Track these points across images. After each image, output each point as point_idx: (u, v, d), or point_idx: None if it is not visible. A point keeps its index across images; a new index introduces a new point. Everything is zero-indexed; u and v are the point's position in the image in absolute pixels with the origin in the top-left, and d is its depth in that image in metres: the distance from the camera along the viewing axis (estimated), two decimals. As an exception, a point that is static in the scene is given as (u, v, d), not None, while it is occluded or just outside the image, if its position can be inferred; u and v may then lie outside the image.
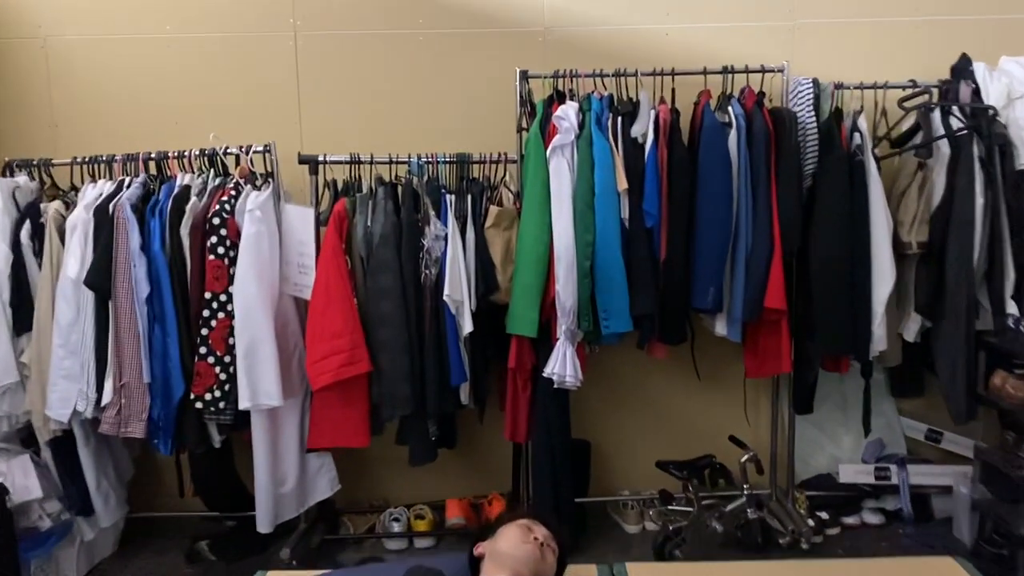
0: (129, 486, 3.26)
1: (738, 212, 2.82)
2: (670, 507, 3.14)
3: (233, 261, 2.75)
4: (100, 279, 2.74)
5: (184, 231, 2.77)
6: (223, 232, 2.75)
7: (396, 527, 3.21)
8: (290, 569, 3.01)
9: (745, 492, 3.04)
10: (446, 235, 2.84)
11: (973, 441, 3.15)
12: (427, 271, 2.83)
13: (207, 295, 2.74)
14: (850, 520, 3.29)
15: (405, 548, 3.22)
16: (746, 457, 3.02)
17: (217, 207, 2.76)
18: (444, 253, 2.82)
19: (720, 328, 2.96)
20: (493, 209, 2.92)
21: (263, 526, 2.93)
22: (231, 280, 2.73)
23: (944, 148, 2.89)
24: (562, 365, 2.74)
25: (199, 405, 2.75)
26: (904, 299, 3.05)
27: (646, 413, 3.46)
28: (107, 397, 2.77)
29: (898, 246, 2.92)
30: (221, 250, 2.75)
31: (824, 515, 3.25)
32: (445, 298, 2.79)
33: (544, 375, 2.78)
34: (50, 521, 2.83)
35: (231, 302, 2.73)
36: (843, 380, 3.33)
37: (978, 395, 2.93)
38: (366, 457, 3.32)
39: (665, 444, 3.41)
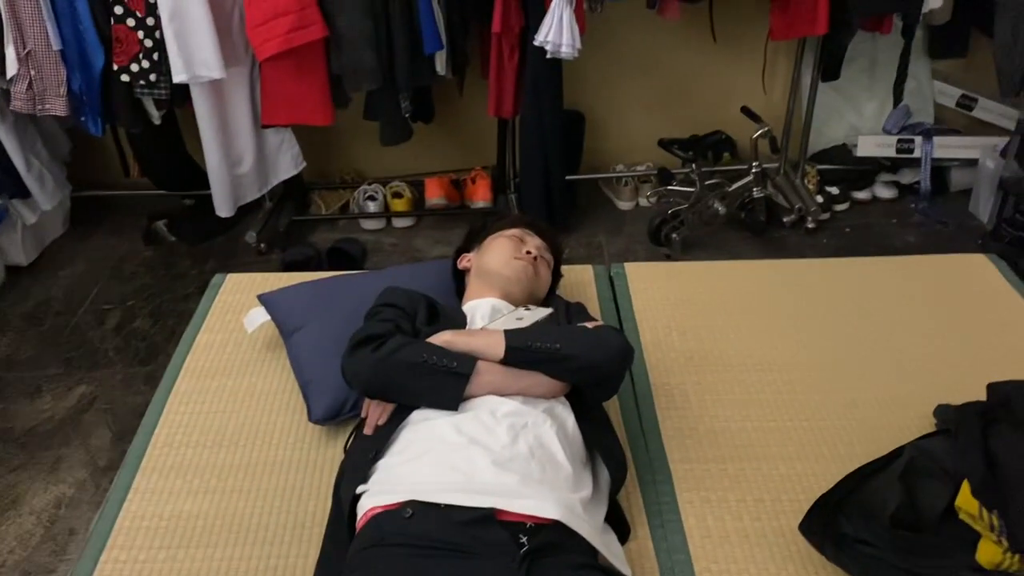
0: (69, 164, 2.92)
1: None
2: (669, 187, 2.86)
3: None
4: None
5: None
6: None
7: (372, 206, 2.95)
8: (258, 255, 2.82)
9: (753, 170, 2.75)
10: None
11: (1016, 112, 2.80)
12: (389, -96, 2.25)
13: (112, -64, 2.19)
14: (861, 195, 3.07)
15: (382, 228, 2.99)
16: (759, 132, 2.68)
17: None
18: None
19: (748, -20, 2.46)
20: None
21: (222, 210, 2.68)
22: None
23: None
24: (557, 31, 2.28)
25: (125, 78, 2.33)
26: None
27: (649, 81, 3.06)
28: (12, 68, 2.33)
29: None
30: None
31: (834, 190, 3.03)
32: (413, -58, 2.25)
33: (535, 43, 2.33)
34: (-23, 209, 2.55)
35: (144, -54, 2.20)
36: (874, 39, 2.90)
37: (1039, 64, 2.53)
38: (333, 128, 2.94)
39: (668, 117, 3.07)
